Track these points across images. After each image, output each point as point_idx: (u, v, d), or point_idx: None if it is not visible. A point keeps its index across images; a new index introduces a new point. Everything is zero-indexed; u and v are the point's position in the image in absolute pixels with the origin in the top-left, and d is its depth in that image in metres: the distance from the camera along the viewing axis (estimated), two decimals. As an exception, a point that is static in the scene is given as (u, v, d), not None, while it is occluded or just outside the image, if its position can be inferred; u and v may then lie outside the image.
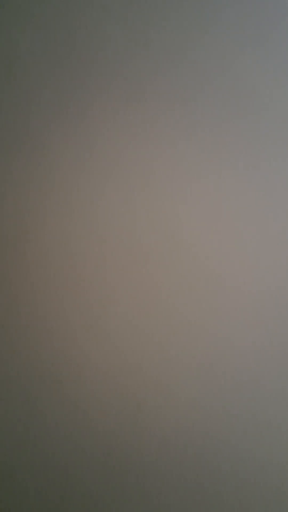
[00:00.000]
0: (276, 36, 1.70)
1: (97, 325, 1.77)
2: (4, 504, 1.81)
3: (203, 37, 1.73)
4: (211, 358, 1.71)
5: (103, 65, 1.78)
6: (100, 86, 1.78)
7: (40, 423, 1.80)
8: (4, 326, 1.81)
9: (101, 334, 1.76)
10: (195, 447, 1.72)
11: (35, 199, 1.81)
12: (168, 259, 1.74)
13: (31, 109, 1.81)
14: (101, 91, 1.78)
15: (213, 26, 1.73)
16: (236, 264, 1.71)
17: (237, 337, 1.70)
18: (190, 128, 1.74)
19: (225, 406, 1.71)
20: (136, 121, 1.76)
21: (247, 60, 1.71)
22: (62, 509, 1.79)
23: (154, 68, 1.75)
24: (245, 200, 1.71)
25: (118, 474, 1.76)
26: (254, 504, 1.70)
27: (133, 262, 1.76)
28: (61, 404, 1.78)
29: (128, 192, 1.77)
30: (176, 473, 1.73)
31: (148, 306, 1.75)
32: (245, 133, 1.71)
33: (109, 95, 1.78)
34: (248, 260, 1.71)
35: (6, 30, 1.83)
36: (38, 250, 1.80)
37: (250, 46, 1.71)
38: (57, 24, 1.81)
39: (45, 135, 1.81)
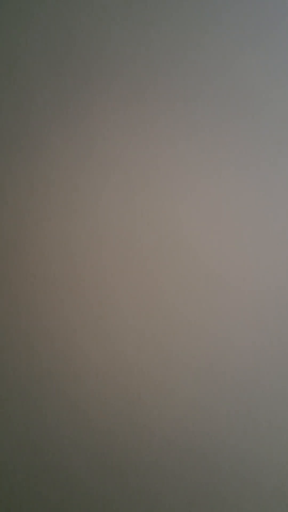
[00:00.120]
0: (276, 36, 1.70)
1: (97, 325, 1.77)
2: (4, 504, 1.81)
3: (203, 37, 1.73)
4: (211, 358, 1.71)
5: (103, 65, 1.78)
6: (100, 86, 1.78)
7: (40, 423, 1.80)
8: (4, 326, 1.81)
9: (101, 334, 1.76)
10: (195, 447, 1.72)
11: (35, 199, 1.81)
12: (168, 259, 1.74)
13: (31, 109, 1.81)
14: (101, 91, 1.78)
15: (213, 26, 1.73)
16: (236, 264, 1.71)
17: (237, 337, 1.70)
18: (190, 128, 1.74)
19: (225, 406, 1.71)
20: (136, 121, 1.76)
21: (247, 60, 1.71)
22: (62, 509, 1.79)
23: (154, 68, 1.75)
24: (245, 200, 1.71)
25: (118, 474, 1.76)
26: (254, 504, 1.70)
27: (133, 262, 1.76)
28: (61, 404, 1.78)
29: (128, 192, 1.76)
30: (176, 473, 1.73)
31: (148, 306, 1.75)
32: (245, 133, 1.71)
33: (109, 95, 1.78)
34: (248, 260, 1.71)
35: (6, 30, 1.83)
36: (38, 250, 1.80)
37: (250, 46, 1.71)
38: (57, 24, 1.81)
39: (45, 135, 1.81)
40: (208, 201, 1.73)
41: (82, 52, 1.79)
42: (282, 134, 1.70)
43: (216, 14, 1.73)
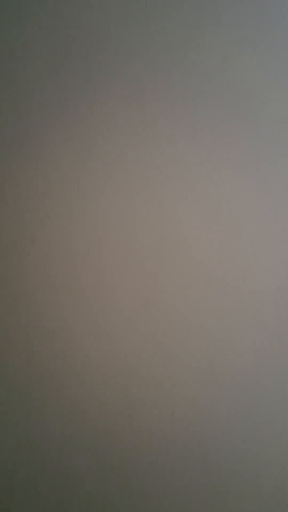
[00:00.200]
0: (276, 36, 1.70)
1: (97, 325, 1.77)
2: (4, 504, 1.81)
3: (203, 37, 1.73)
4: (211, 358, 1.71)
5: (103, 65, 1.78)
6: (100, 86, 1.78)
7: (40, 423, 1.80)
8: (4, 326, 1.81)
9: (101, 334, 1.76)
10: (194, 447, 1.72)
11: (35, 199, 1.81)
12: (168, 259, 1.74)
13: (31, 109, 1.81)
14: (101, 91, 1.78)
15: (213, 26, 1.73)
16: (236, 264, 1.71)
17: (237, 337, 1.70)
18: (190, 128, 1.74)
19: (225, 406, 1.71)
20: (136, 121, 1.76)
21: (247, 60, 1.71)
22: (62, 509, 1.79)
23: (154, 68, 1.75)
24: (245, 200, 1.71)
25: (118, 474, 1.76)
26: (254, 504, 1.70)
27: (133, 262, 1.76)
28: (61, 404, 1.78)
29: (128, 192, 1.76)
30: (175, 473, 1.73)
31: (148, 306, 1.75)
32: (245, 133, 1.71)
33: (109, 95, 1.78)
34: (248, 260, 1.71)
35: (6, 30, 1.83)
36: (38, 250, 1.80)
37: (250, 46, 1.71)
38: (57, 24, 1.81)
39: (45, 135, 1.81)
40: (208, 201, 1.73)
41: (82, 52, 1.79)
42: (282, 134, 1.70)
43: (216, 14, 1.73)
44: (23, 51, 1.82)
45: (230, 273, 1.71)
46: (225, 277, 1.71)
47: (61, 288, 1.78)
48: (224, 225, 1.72)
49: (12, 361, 1.81)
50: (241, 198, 1.71)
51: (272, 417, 1.69)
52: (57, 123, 1.80)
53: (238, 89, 1.72)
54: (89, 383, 1.77)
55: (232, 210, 1.72)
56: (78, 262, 1.78)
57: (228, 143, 1.72)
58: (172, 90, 1.75)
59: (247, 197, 1.71)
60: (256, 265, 1.70)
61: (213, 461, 1.71)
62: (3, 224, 1.82)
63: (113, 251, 1.77)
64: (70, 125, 1.80)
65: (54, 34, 1.81)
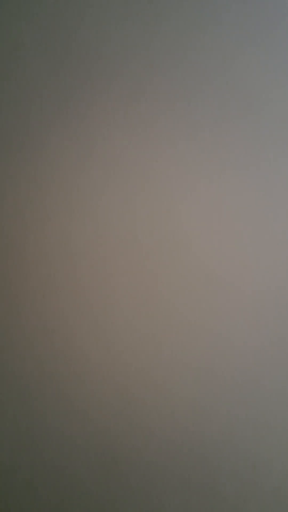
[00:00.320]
0: (276, 36, 1.70)
1: (97, 325, 1.77)
2: (4, 504, 1.81)
3: (203, 37, 1.73)
4: (211, 358, 1.71)
5: (103, 65, 1.78)
6: (100, 86, 1.78)
7: (40, 422, 1.80)
8: (4, 326, 1.81)
9: (101, 334, 1.76)
10: (195, 447, 1.72)
11: (35, 198, 1.81)
12: (168, 259, 1.74)
13: (31, 109, 1.81)
14: (101, 91, 1.78)
15: (213, 26, 1.73)
16: (236, 264, 1.71)
17: (237, 337, 1.70)
18: (190, 128, 1.74)
19: (225, 406, 1.71)
20: (136, 121, 1.76)
21: (247, 60, 1.71)
22: (62, 509, 1.79)
23: (154, 68, 1.75)
24: (245, 200, 1.71)
25: (118, 474, 1.76)
26: (254, 504, 1.70)
27: (133, 262, 1.76)
28: (61, 404, 1.78)
29: (128, 192, 1.76)
30: (175, 473, 1.74)
31: (148, 306, 1.75)
32: (245, 133, 1.71)
33: (109, 95, 1.78)
34: (248, 260, 1.71)
35: (6, 30, 1.83)
36: (38, 250, 1.80)
37: (250, 46, 1.71)
38: (57, 24, 1.81)
39: (45, 135, 1.81)
40: (208, 201, 1.73)
41: (82, 51, 1.79)
42: (282, 134, 1.70)
43: (216, 14, 1.73)
44: (23, 51, 1.82)
45: (230, 273, 1.71)
46: (225, 277, 1.71)
47: (61, 288, 1.78)
48: (224, 225, 1.72)
49: (12, 361, 1.81)
50: (241, 198, 1.71)
51: (272, 417, 1.69)
52: (57, 123, 1.80)
53: (238, 89, 1.72)
54: (89, 383, 1.77)
55: (232, 210, 1.72)
56: (78, 262, 1.78)
57: (228, 143, 1.72)
58: (172, 90, 1.75)
59: (247, 197, 1.71)
60: (256, 265, 1.70)
61: (213, 461, 1.71)
62: (3, 224, 1.82)
63: (113, 251, 1.77)
64: (70, 125, 1.80)
65: (54, 34, 1.81)
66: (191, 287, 1.73)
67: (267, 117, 1.70)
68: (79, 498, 1.78)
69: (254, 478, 1.70)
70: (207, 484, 1.72)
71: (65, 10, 1.80)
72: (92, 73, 1.79)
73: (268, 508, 1.69)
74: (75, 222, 1.79)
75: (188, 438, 1.72)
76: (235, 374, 1.70)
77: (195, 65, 1.74)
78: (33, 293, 1.80)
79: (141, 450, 1.75)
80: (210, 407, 1.71)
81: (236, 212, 1.72)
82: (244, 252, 1.71)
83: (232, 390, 1.71)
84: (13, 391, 1.81)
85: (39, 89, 1.81)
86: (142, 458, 1.75)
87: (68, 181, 1.79)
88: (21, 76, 1.82)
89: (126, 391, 1.75)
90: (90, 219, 1.78)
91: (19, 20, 1.82)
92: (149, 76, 1.76)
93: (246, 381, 1.70)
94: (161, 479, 1.74)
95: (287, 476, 1.68)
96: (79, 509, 1.78)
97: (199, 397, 1.72)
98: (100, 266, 1.77)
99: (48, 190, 1.80)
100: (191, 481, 1.73)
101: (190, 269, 1.73)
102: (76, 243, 1.78)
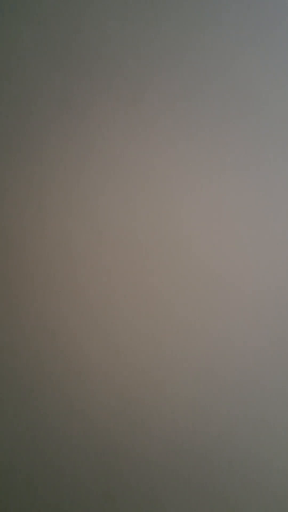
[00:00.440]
0: (276, 36, 1.70)
1: (97, 325, 1.77)
2: (4, 504, 1.81)
3: (203, 37, 1.73)
4: (211, 358, 1.71)
5: (103, 65, 1.78)
6: (100, 86, 1.78)
7: (40, 422, 1.80)
8: (4, 326, 1.81)
9: (101, 334, 1.76)
10: (195, 447, 1.72)
11: (35, 198, 1.81)
12: (168, 259, 1.74)
13: (31, 108, 1.81)
14: (101, 91, 1.78)
15: (213, 26, 1.73)
16: (236, 264, 1.71)
17: (237, 337, 1.70)
18: (190, 128, 1.74)
19: (225, 406, 1.71)
20: (136, 121, 1.76)
21: (247, 60, 1.71)
22: (62, 509, 1.79)
23: (154, 68, 1.75)
24: (245, 200, 1.71)
25: (118, 474, 1.76)
26: (254, 504, 1.70)
27: (133, 262, 1.76)
28: (61, 404, 1.78)
29: (128, 192, 1.76)
30: (176, 473, 1.74)
31: (148, 306, 1.75)
32: (245, 133, 1.71)
33: (109, 95, 1.77)
34: (248, 260, 1.71)
35: (6, 30, 1.83)
36: (38, 250, 1.80)
37: (250, 46, 1.71)
38: (57, 24, 1.81)
39: (45, 135, 1.81)
40: (208, 201, 1.73)
41: (82, 51, 1.79)
42: (282, 134, 1.70)
43: (216, 14, 1.73)
44: (23, 51, 1.82)
45: (230, 273, 1.71)
46: (225, 277, 1.71)
47: (61, 288, 1.78)
48: (224, 225, 1.72)
49: (12, 361, 1.81)
50: (241, 198, 1.71)
51: (272, 417, 1.69)
52: (57, 123, 1.80)
53: (238, 89, 1.72)
54: (89, 383, 1.77)
55: (232, 210, 1.72)
56: (78, 262, 1.78)
57: (228, 143, 1.72)
58: (172, 90, 1.74)
59: (247, 197, 1.71)
60: (256, 265, 1.70)
61: (213, 461, 1.72)
62: (3, 224, 1.82)
63: (113, 251, 1.77)
64: (70, 125, 1.80)
65: (54, 34, 1.81)
66: (191, 287, 1.73)
67: (267, 117, 1.70)
68: (79, 498, 1.78)
69: (254, 478, 1.70)
70: (207, 484, 1.72)
71: (65, 10, 1.80)
72: (92, 73, 1.78)
73: (268, 508, 1.69)
74: (75, 222, 1.79)
75: (188, 438, 1.73)
76: (235, 374, 1.70)
77: (195, 65, 1.74)
78: (33, 293, 1.80)
79: (141, 450, 1.75)
80: (210, 407, 1.72)
81: (236, 212, 1.72)
82: (244, 252, 1.71)
83: (232, 390, 1.71)
84: (13, 391, 1.81)
85: (39, 89, 1.81)
86: (142, 458, 1.75)
87: (68, 181, 1.79)
88: (21, 76, 1.82)
89: (126, 391, 1.75)
90: (90, 219, 1.78)
91: (19, 20, 1.82)
92: (149, 76, 1.76)
93: (246, 381, 1.70)
94: (161, 479, 1.74)
95: (287, 476, 1.68)
96: (79, 509, 1.78)
97: (199, 397, 1.72)
98: (100, 266, 1.77)
99: (48, 190, 1.80)
100: (191, 481, 1.73)
101: (190, 269, 1.73)
102: (76, 243, 1.78)
